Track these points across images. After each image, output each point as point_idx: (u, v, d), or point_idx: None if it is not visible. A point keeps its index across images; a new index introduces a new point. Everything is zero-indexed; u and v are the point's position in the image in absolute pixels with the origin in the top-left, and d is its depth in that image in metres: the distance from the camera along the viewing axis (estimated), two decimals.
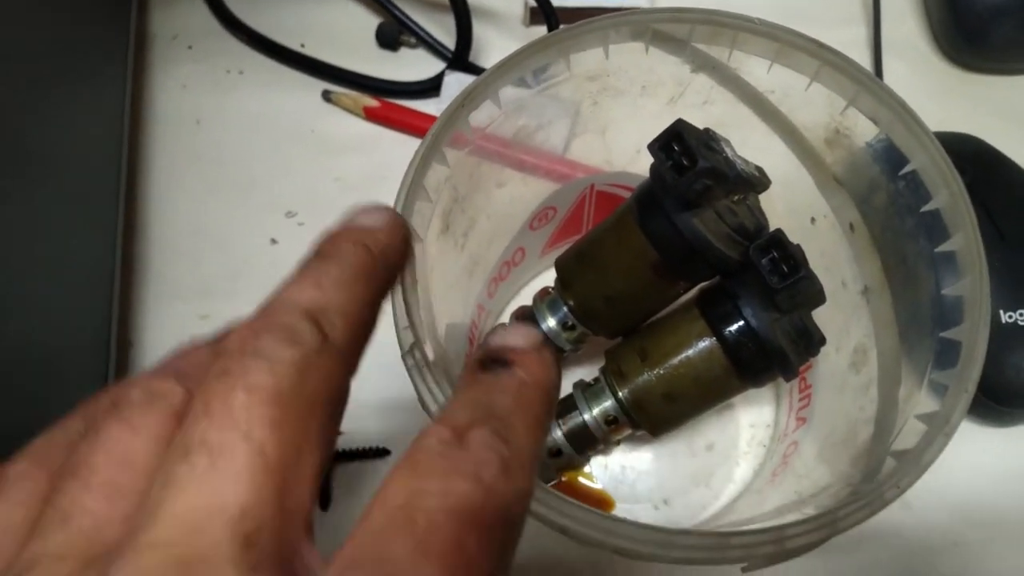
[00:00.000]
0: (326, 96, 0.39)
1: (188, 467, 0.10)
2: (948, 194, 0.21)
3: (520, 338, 0.14)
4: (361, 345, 0.13)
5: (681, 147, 0.22)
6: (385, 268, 0.15)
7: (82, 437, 0.12)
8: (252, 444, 0.11)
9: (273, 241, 0.36)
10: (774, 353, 0.24)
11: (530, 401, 0.13)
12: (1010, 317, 0.30)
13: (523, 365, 0.14)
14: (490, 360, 0.14)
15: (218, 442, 0.10)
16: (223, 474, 0.10)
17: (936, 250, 0.22)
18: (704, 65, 0.25)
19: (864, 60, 0.39)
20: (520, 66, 0.23)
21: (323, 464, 0.12)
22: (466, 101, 0.22)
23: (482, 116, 0.23)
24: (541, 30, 0.38)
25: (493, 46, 0.40)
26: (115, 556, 0.10)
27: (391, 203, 0.18)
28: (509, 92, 0.23)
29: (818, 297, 0.24)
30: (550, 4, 0.37)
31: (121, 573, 0.10)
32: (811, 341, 0.24)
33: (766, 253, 0.23)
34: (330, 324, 0.13)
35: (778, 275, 0.23)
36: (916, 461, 0.19)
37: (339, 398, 0.12)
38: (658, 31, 0.24)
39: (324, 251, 0.14)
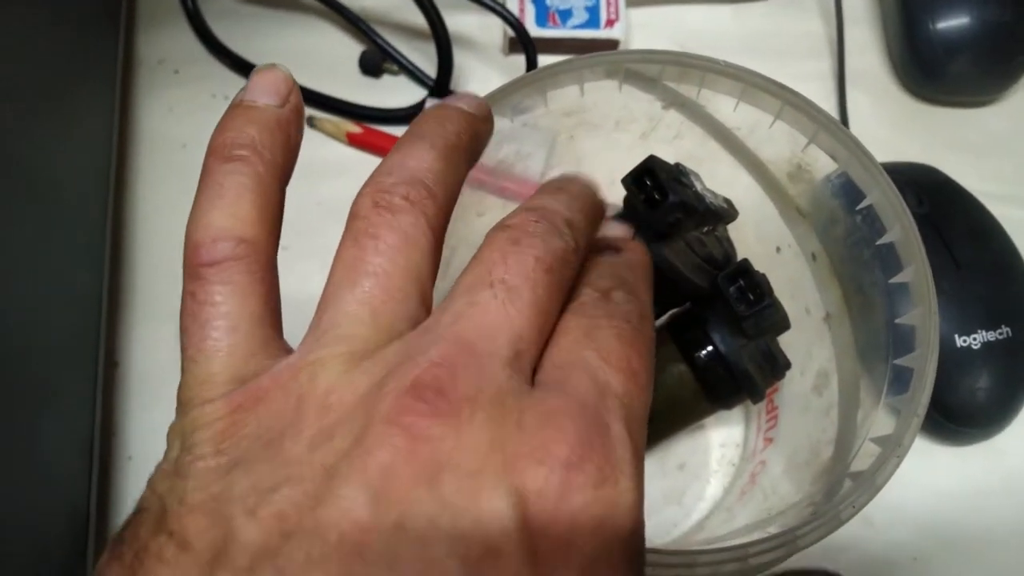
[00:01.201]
0: (309, 122, 0.40)
1: (491, 293, 0.15)
2: (901, 228, 0.23)
3: (622, 232, 0.21)
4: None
5: (653, 182, 0.23)
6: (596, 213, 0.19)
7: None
8: (535, 292, 0.15)
9: None
10: (742, 377, 0.25)
11: (642, 274, 0.18)
12: (964, 341, 0.32)
13: (630, 250, 0.19)
14: (604, 247, 0.19)
15: (513, 284, 0.15)
16: (514, 305, 0.15)
17: (890, 281, 0.23)
18: (674, 102, 0.26)
19: (829, 91, 0.41)
20: (501, 103, 0.24)
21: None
22: None
23: None
24: (519, 59, 0.40)
25: (473, 74, 0.41)
26: (421, 334, 0.14)
27: None
28: None
29: (783, 323, 0.26)
30: (528, 34, 0.38)
31: (431, 350, 0.14)
32: (777, 365, 0.25)
33: (734, 282, 0.24)
34: (580, 236, 0.17)
35: (745, 303, 0.24)
36: (871, 482, 0.20)
37: (568, 290, 0.16)
38: (631, 70, 0.25)
39: (562, 185, 0.18)
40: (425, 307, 0.16)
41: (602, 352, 0.15)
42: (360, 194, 0.16)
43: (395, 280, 0.15)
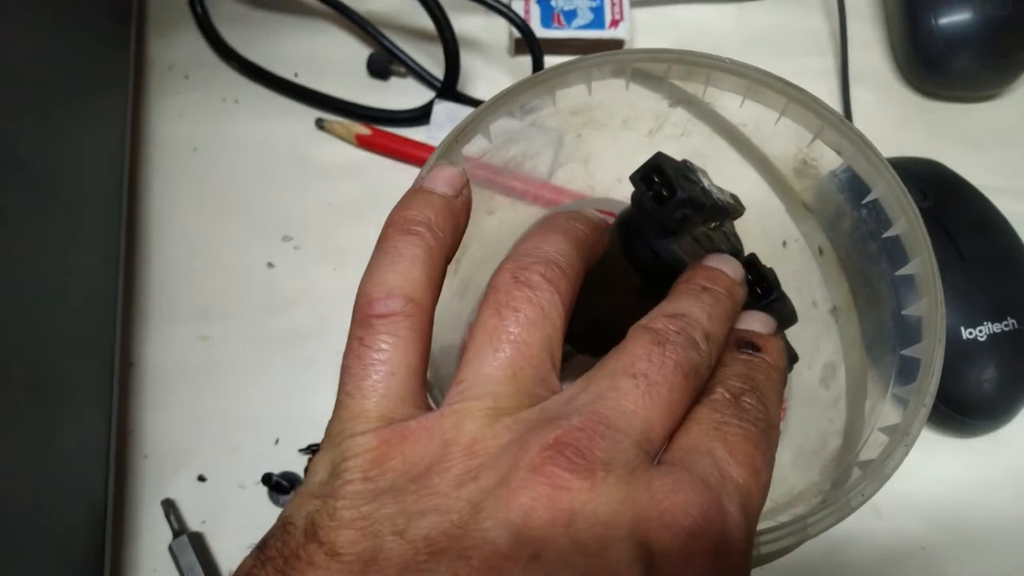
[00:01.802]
0: (319, 124, 0.40)
1: (633, 383, 0.16)
2: (906, 221, 0.23)
3: (764, 327, 0.20)
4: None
5: (661, 178, 0.24)
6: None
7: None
8: (671, 392, 0.16)
9: (270, 265, 0.37)
10: None
11: (776, 379, 0.19)
12: (970, 333, 0.32)
13: (768, 352, 0.19)
14: (744, 342, 0.19)
15: (654, 379, 0.16)
16: (652, 397, 0.16)
17: (896, 273, 0.23)
18: (681, 100, 0.26)
19: (832, 88, 0.41)
20: (509, 103, 0.24)
21: None
22: (459, 136, 0.23)
23: (474, 148, 0.25)
24: (525, 60, 0.40)
25: (480, 75, 0.42)
26: (562, 404, 0.16)
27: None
28: (499, 124, 0.25)
29: (791, 317, 0.26)
30: (534, 35, 0.39)
31: (573, 417, 0.15)
32: None
33: None
34: (716, 349, 0.18)
35: (752, 297, 0.24)
36: (880, 470, 0.20)
37: (695, 397, 0.17)
38: (637, 69, 0.25)
39: (706, 283, 0.20)
40: (556, 376, 0.17)
41: (729, 446, 0.16)
42: (500, 270, 0.18)
43: (533, 349, 0.17)
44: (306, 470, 0.25)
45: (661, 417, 0.16)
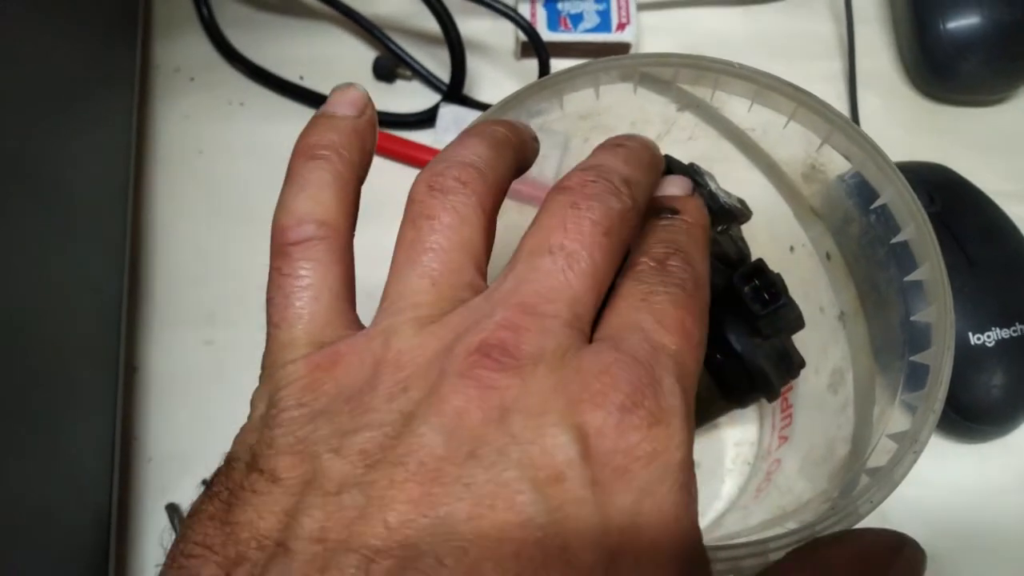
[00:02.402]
0: None
1: (551, 259, 0.16)
2: (915, 227, 0.23)
3: (680, 189, 0.20)
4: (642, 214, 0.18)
5: None
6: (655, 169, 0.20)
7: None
8: (593, 258, 0.16)
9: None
10: (757, 375, 0.25)
11: (699, 237, 0.19)
12: (978, 339, 0.32)
13: (688, 212, 0.19)
14: (663, 208, 0.19)
15: (572, 250, 0.16)
16: (573, 270, 0.16)
17: (905, 279, 0.23)
18: (689, 104, 0.26)
19: (840, 92, 0.41)
20: (517, 107, 0.24)
21: None
22: None
23: None
24: (532, 63, 0.40)
25: (486, 79, 0.42)
26: (484, 299, 0.16)
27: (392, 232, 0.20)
28: None
29: (798, 322, 0.26)
30: (540, 39, 0.39)
31: (496, 314, 0.15)
32: (791, 364, 0.26)
33: (748, 281, 0.24)
34: (639, 193, 0.17)
35: (760, 302, 0.24)
36: (888, 477, 0.20)
37: (627, 247, 0.17)
38: (645, 73, 0.25)
39: (620, 142, 0.19)
40: (481, 276, 0.17)
41: (656, 315, 0.16)
42: (416, 181, 0.17)
43: (452, 254, 0.16)
44: None
45: (586, 289, 0.16)
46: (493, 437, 0.14)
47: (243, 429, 0.16)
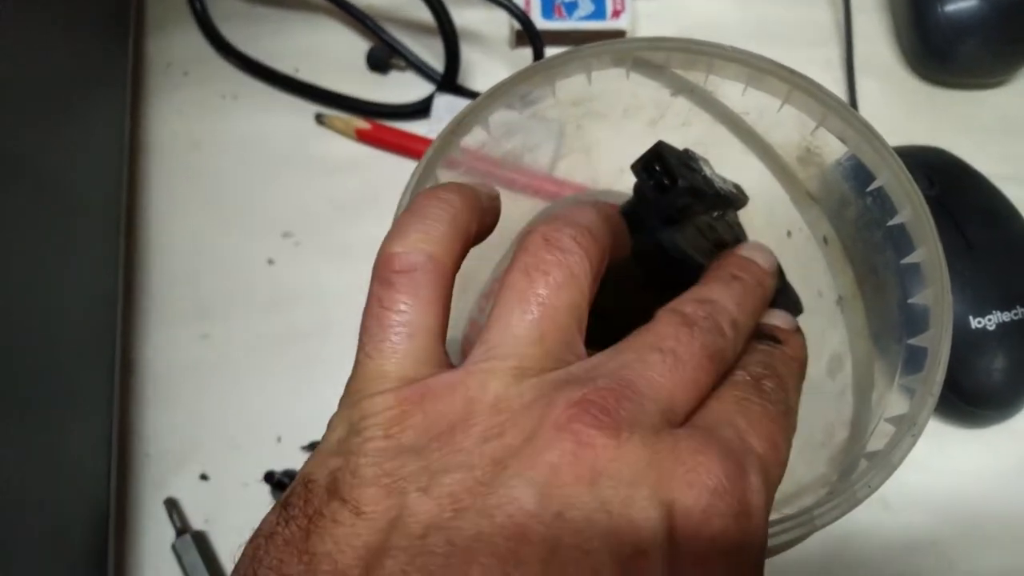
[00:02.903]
0: (319, 119, 0.40)
1: (660, 357, 0.16)
2: (911, 209, 0.23)
3: (786, 324, 0.20)
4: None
5: (662, 167, 0.23)
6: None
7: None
8: (697, 371, 0.16)
9: (270, 261, 0.37)
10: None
11: (796, 371, 0.19)
12: (979, 323, 0.31)
13: (790, 345, 0.20)
14: (767, 335, 0.19)
15: (681, 357, 0.16)
16: (678, 372, 0.16)
17: (902, 261, 0.23)
18: (682, 89, 0.26)
19: (838, 78, 0.41)
20: (508, 94, 0.24)
21: None
22: (457, 128, 0.23)
23: (473, 140, 0.24)
24: (526, 52, 0.40)
25: (480, 68, 0.41)
26: (588, 368, 0.16)
27: (387, 224, 0.19)
28: (498, 116, 0.25)
29: (796, 307, 0.25)
30: (534, 27, 0.39)
31: (599, 380, 0.15)
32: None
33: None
34: (741, 337, 0.18)
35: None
36: (886, 461, 0.20)
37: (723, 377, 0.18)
38: (638, 58, 0.25)
39: (737, 272, 0.20)
40: (582, 342, 0.17)
41: (749, 419, 0.16)
42: (531, 232, 0.17)
43: (561, 313, 0.17)
44: None
45: (686, 390, 0.16)
46: (583, 499, 0.14)
47: (319, 451, 0.16)
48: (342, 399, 0.16)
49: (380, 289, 0.17)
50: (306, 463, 0.16)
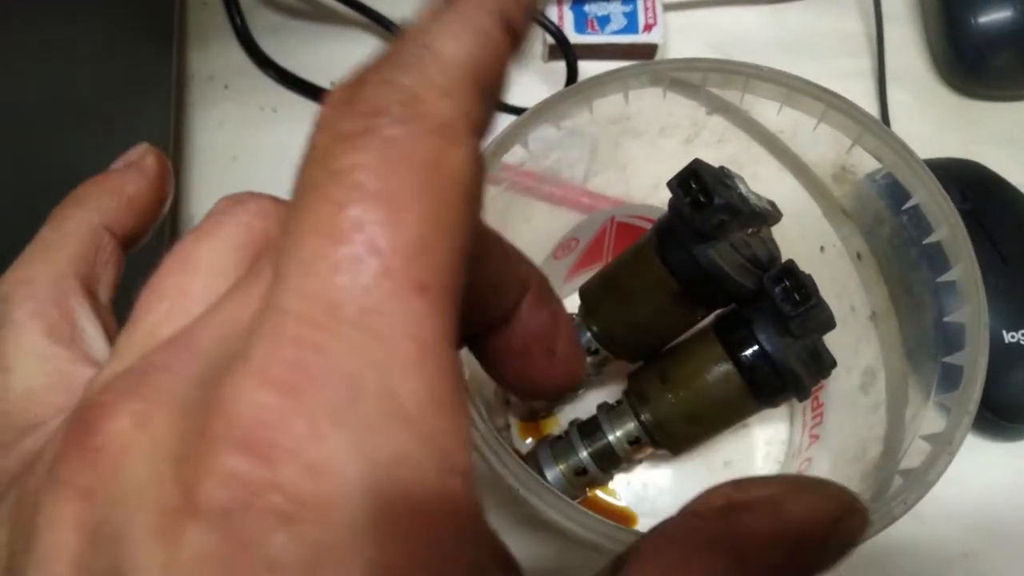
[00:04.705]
0: None
1: None
2: (948, 228, 0.23)
3: None
4: None
5: (699, 184, 0.24)
6: None
7: None
8: None
9: None
10: (788, 375, 0.25)
11: None
12: (1012, 337, 0.31)
13: None
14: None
15: None
16: None
17: (938, 279, 0.23)
18: (718, 108, 0.26)
19: (869, 90, 0.41)
20: (548, 114, 0.24)
21: None
22: (498, 148, 0.24)
23: (513, 158, 0.25)
24: (559, 65, 0.40)
25: (514, 81, 0.42)
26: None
27: None
28: (537, 134, 0.25)
29: (828, 323, 0.26)
30: (568, 41, 0.39)
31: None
32: (822, 364, 0.26)
33: (779, 282, 0.24)
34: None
35: (791, 303, 0.24)
36: (922, 479, 0.20)
37: None
38: (675, 78, 0.25)
39: None
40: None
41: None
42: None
43: None
44: None
45: None
46: None
47: None
48: None
49: None
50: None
